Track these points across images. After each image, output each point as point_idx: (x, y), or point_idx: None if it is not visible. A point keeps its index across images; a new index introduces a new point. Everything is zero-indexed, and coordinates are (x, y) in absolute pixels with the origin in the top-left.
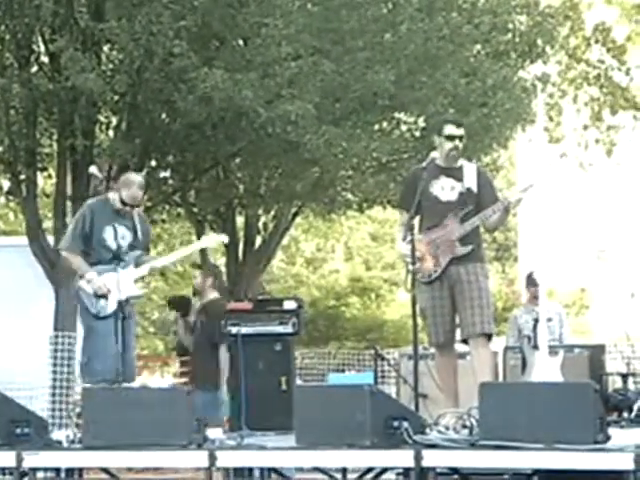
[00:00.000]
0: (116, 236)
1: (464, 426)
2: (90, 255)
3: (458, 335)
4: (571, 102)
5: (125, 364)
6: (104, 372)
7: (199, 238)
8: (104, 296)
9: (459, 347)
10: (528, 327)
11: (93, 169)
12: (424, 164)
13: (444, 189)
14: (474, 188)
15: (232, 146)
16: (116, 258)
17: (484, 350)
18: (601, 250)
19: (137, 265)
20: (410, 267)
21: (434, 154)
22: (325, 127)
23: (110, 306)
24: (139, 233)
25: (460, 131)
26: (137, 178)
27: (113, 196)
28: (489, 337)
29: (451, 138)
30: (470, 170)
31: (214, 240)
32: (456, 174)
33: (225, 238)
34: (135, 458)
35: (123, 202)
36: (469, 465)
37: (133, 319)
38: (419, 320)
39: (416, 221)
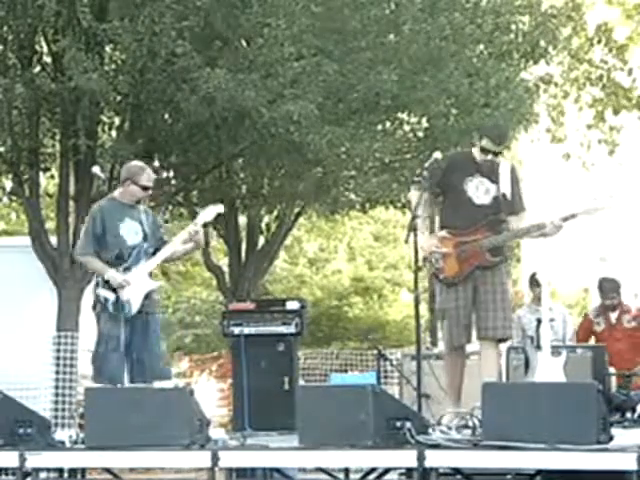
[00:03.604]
0: (130, 231)
1: (467, 426)
2: (106, 254)
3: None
4: (573, 103)
5: (148, 361)
6: (108, 376)
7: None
8: (125, 287)
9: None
10: (532, 327)
11: (96, 169)
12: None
13: (478, 189)
14: (508, 194)
15: (235, 146)
16: (135, 253)
17: (494, 352)
18: (604, 253)
19: (147, 258)
20: (420, 264)
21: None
22: (328, 127)
23: (135, 305)
24: (145, 226)
25: (497, 148)
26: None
27: (119, 193)
28: (504, 340)
29: (485, 151)
30: (505, 171)
31: (211, 212)
32: (492, 174)
33: (220, 208)
34: (138, 458)
35: (144, 187)
36: (472, 465)
37: (157, 313)
38: (422, 321)
39: (434, 216)
